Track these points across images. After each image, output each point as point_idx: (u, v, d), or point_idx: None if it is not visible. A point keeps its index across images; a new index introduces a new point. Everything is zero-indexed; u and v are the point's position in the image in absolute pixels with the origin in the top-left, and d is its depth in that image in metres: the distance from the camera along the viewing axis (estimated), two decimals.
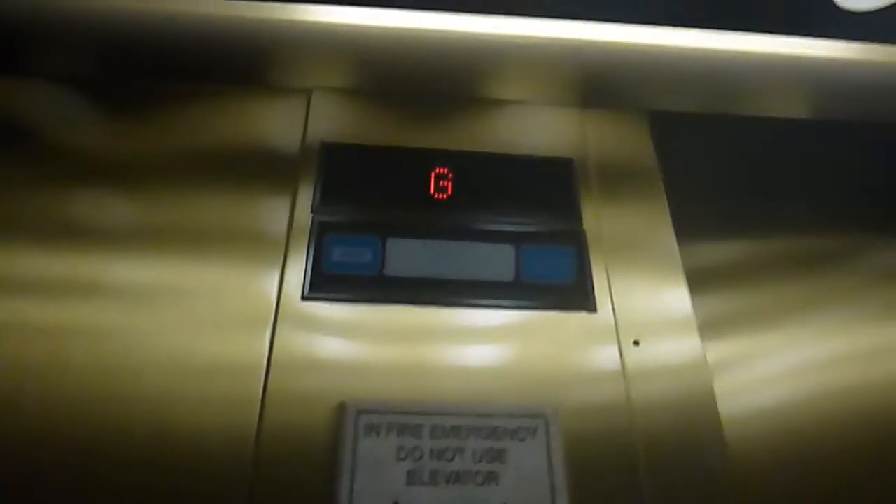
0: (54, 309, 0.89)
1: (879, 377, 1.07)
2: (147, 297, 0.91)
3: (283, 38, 1.09)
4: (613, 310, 0.94)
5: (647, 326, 0.94)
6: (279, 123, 1.10)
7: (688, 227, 1.06)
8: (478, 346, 0.91)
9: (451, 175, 1.05)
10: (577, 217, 1.03)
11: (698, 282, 1.01)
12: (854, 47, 1.14)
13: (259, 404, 0.83)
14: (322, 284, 0.92)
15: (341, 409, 0.81)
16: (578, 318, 0.93)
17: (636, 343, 0.92)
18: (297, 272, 0.93)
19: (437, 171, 1.05)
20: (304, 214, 0.99)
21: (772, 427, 1.01)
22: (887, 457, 1.00)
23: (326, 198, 1.01)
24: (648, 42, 1.12)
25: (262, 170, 1.04)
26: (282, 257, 0.95)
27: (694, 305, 0.97)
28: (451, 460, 0.78)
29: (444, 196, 1.03)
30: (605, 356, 0.90)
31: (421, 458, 0.78)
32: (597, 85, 1.15)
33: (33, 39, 1.09)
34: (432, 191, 1.03)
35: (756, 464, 0.95)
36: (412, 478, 0.78)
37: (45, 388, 0.83)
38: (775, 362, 1.08)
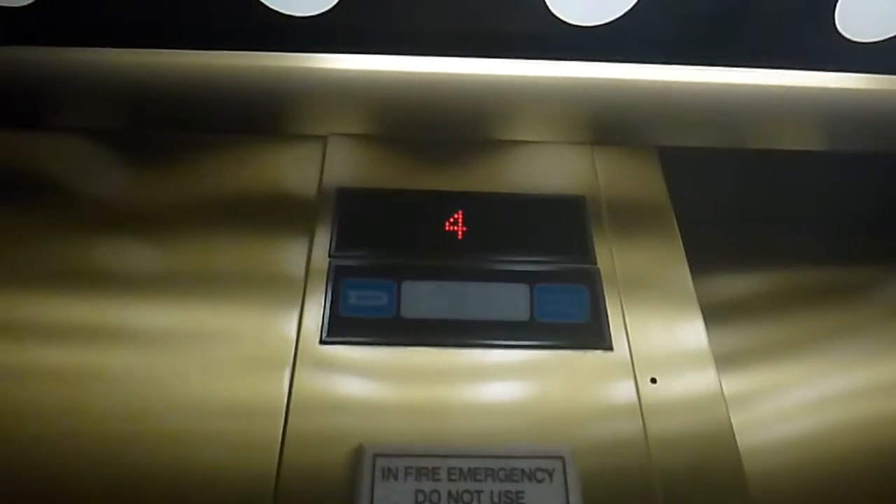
0: (75, 354, 0.91)
1: None
2: (167, 341, 0.92)
3: (298, 86, 1.12)
4: (629, 347, 0.94)
5: (664, 363, 0.93)
6: (296, 170, 1.12)
7: (702, 261, 1.05)
8: (494, 386, 0.91)
9: (464, 216, 1.05)
10: (590, 255, 1.03)
11: (714, 316, 1.00)
12: (862, 78, 1.15)
13: (279, 446, 0.83)
14: (339, 328, 0.93)
15: (358, 452, 0.81)
16: (594, 356, 0.93)
17: (653, 380, 0.91)
18: (315, 316, 0.94)
19: (451, 212, 1.06)
20: (321, 259, 1.00)
21: (791, 461, 0.99)
22: None
23: (342, 242, 1.02)
24: (657, 79, 1.14)
25: (280, 215, 1.06)
26: (300, 301, 0.96)
27: (710, 339, 0.96)
28: (469, 503, 0.78)
29: (459, 237, 1.04)
30: (621, 394, 0.90)
31: (438, 501, 0.78)
32: (606, 123, 1.17)
33: (54, 94, 1.13)
34: (447, 232, 1.04)
35: (776, 498, 0.94)
36: None
37: (65, 432, 0.84)
38: (794, 395, 1.07)
